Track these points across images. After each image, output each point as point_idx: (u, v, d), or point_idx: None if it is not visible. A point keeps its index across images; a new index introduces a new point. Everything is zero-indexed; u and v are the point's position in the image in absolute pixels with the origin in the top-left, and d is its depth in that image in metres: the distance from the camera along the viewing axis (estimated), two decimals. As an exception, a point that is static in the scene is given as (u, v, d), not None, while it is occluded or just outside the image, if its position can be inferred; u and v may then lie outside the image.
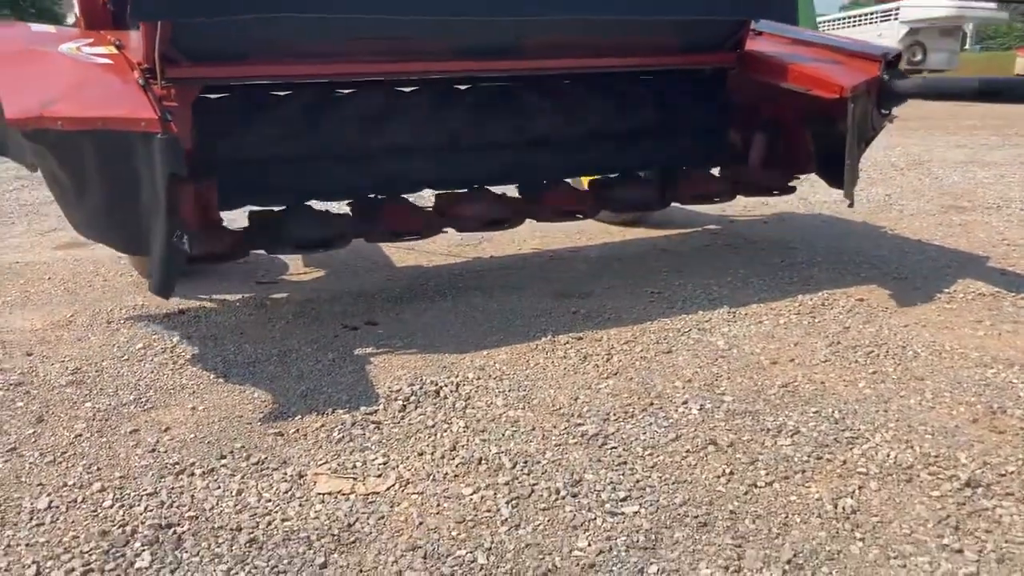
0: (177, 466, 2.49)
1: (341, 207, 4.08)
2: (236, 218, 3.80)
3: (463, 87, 4.16)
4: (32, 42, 3.27)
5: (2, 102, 2.72)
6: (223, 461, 2.52)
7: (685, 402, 2.86)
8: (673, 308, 3.85)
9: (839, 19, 26.89)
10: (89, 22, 4.09)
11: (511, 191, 4.42)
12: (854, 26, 25.30)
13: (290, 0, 3.03)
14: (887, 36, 22.75)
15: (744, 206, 6.06)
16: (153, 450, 2.59)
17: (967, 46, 34.82)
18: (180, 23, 3.03)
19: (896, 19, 23.51)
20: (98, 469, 2.48)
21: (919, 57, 22.77)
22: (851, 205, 4.00)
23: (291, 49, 3.40)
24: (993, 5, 23.67)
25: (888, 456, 2.50)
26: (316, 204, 3.86)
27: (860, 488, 2.34)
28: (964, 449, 2.52)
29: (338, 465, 2.49)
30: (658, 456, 2.52)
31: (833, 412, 2.78)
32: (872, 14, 24.97)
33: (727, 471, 2.43)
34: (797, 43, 4.38)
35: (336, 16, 3.21)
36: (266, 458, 2.54)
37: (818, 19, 21.15)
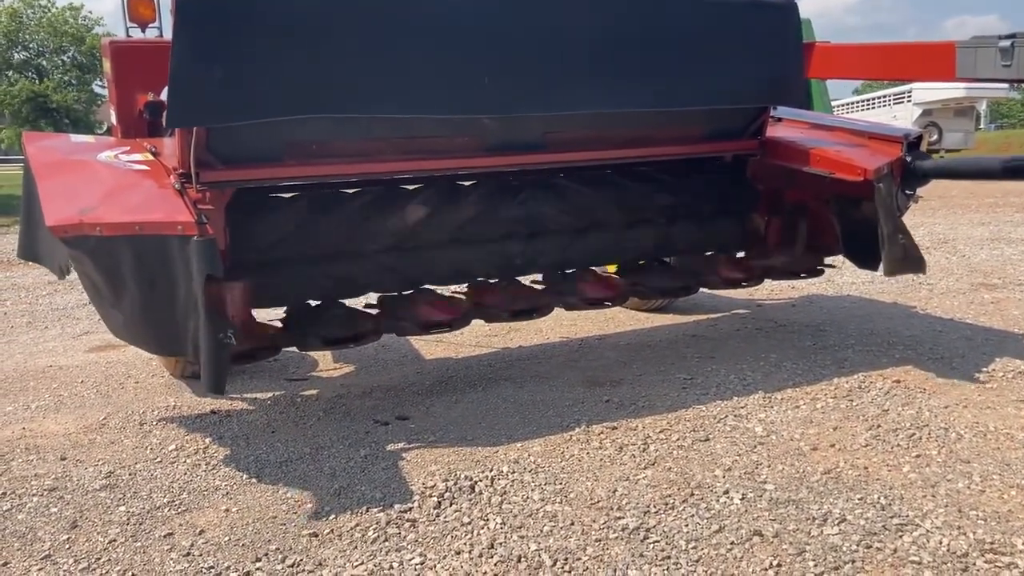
0: (212, 570, 2.45)
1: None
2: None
3: (488, 183, 4.18)
4: (71, 152, 3.38)
5: (43, 211, 2.79)
6: (258, 564, 2.48)
7: (726, 491, 2.80)
8: (707, 394, 3.81)
9: (853, 103, 27.26)
10: (125, 131, 4.23)
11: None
12: (868, 109, 25.62)
13: (318, 102, 3.12)
14: (901, 118, 22.99)
15: (771, 289, 6.04)
16: (188, 554, 2.55)
17: (982, 125, 35.08)
18: (213, 128, 3.12)
19: (909, 101, 23.79)
20: (132, 575, 2.44)
21: (935, 137, 22.93)
22: (923, 271, 3.95)
23: (322, 150, 3.48)
24: (1004, 86, 23.95)
25: (940, 543, 2.42)
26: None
27: (915, 578, 2.26)
28: (1020, 535, 2.44)
29: (374, 566, 2.44)
30: (702, 549, 2.45)
31: (879, 498, 2.71)
32: (885, 97, 25.30)
33: (774, 563, 2.36)
34: (817, 127, 4.44)
35: (364, 116, 3.29)
36: (301, 560, 2.49)
37: (832, 103, 21.43)
